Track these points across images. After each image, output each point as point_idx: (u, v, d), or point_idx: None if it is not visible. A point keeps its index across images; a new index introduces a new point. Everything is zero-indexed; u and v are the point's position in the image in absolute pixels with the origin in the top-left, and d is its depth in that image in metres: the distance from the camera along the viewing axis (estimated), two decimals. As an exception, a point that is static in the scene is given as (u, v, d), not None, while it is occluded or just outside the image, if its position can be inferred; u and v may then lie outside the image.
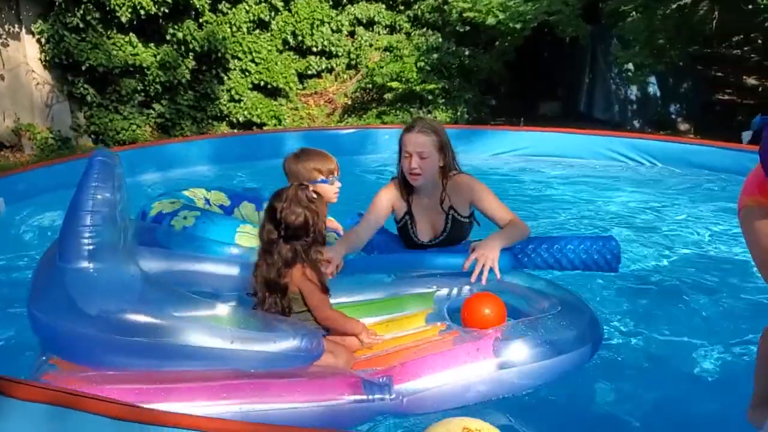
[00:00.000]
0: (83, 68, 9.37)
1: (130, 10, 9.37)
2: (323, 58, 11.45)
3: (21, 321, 2.56)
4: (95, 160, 2.49)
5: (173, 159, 6.49)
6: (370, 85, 10.96)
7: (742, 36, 10.57)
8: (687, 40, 9.21)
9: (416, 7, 11.61)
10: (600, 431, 2.58)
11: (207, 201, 3.80)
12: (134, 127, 9.86)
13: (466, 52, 10.62)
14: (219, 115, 10.48)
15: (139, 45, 9.85)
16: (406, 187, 3.43)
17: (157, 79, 9.89)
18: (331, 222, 3.81)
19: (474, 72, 10.66)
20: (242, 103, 10.45)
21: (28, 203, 5.17)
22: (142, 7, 9.36)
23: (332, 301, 2.81)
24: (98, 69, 9.41)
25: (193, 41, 10.03)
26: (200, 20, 10.26)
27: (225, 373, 2.37)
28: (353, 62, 11.62)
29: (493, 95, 11.20)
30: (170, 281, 2.75)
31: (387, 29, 11.77)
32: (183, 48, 10.08)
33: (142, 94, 10.04)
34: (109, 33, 9.64)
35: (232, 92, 10.46)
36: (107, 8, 9.35)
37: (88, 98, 9.59)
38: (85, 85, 9.56)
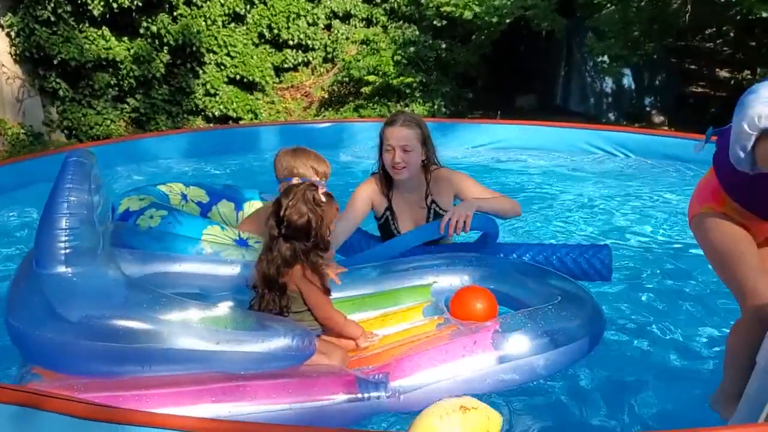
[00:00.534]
0: (55, 62, 9.22)
1: (102, 3, 9.24)
2: (299, 51, 11.38)
3: None
4: (70, 160, 2.42)
5: (147, 154, 6.41)
6: (347, 79, 10.91)
7: (714, 29, 10.68)
8: (661, 33, 9.29)
9: (393, 0, 11.58)
10: (586, 419, 2.57)
11: (184, 197, 3.66)
12: (108, 122, 9.73)
13: (443, 46, 10.61)
14: (194, 109, 10.38)
15: (112, 39, 9.71)
16: (386, 182, 3.41)
17: (131, 74, 9.77)
18: None
19: (451, 65, 10.66)
20: (218, 97, 10.35)
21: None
22: (115, 1, 9.23)
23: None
24: (70, 63, 9.26)
25: (167, 35, 9.91)
26: (174, 14, 10.14)
27: (214, 375, 2.31)
28: (330, 56, 11.56)
29: (470, 89, 11.21)
30: (152, 283, 2.66)
31: (363, 22, 11.72)
32: (157, 42, 9.96)
33: (116, 88, 9.90)
34: (81, 26, 9.49)
35: (208, 86, 10.36)
36: (79, 1, 9.20)
37: (61, 93, 9.45)
38: (57, 80, 9.41)
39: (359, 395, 2.35)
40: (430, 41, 10.62)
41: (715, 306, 3.40)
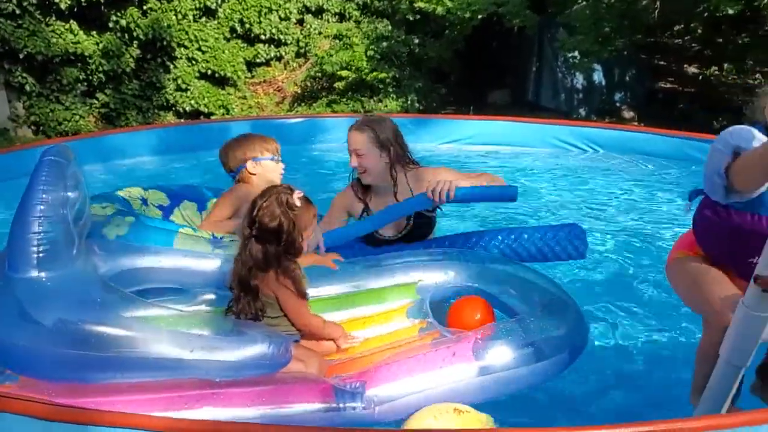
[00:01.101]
0: (21, 56, 9.04)
1: (69, -4, 9.09)
2: (272, 46, 11.30)
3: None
4: (44, 160, 2.36)
5: (118, 150, 6.32)
6: (320, 74, 10.86)
7: (682, 26, 10.83)
8: (631, 29, 9.39)
9: (365, -6, 11.57)
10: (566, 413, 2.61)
11: (144, 201, 3.51)
12: (77, 117, 9.58)
13: (416, 41, 10.62)
14: (165, 104, 10.26)
15: (80, 33, 9.56)
16: (363, 187, 3.39)
17: (100, 68, 9.62)
18: None
19: (424, 61, 10.67)
20: (189, 93, 10.25)
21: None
22: (83, -7, 9.10)
23: (310, 292, 2.68)
24: (37, 57, 9.10)
25: (137, 29, 9.77)
26: (144, 7, 10.01)
27: (188, 383, 2.27)
28: (302, 50, 11.50)
29: (443, 84, 11.23)
30: (130, 279, 2.62)
31: (336, 17, 11.67)
32: (126, 36, 9.82)
33: (85, 83, 9.75)
34: (47, 20, 9.33)
35: (179, 81, 10.25)
36: (45, -6, 9.05)
37: (27, 87, 9.28)
38: (24, 74, 9.23)
39: (334, 405, 2.31)
40: (403, 36, 10.62)
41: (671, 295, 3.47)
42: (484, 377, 2.41)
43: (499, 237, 3.31)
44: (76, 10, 9.34)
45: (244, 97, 10.93)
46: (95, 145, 6.24)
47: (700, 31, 10.65)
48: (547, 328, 2.58)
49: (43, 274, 2.26)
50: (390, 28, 10.88)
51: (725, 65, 10.75)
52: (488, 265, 3.03)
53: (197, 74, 10.44)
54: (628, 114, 10.59)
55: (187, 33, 10.33)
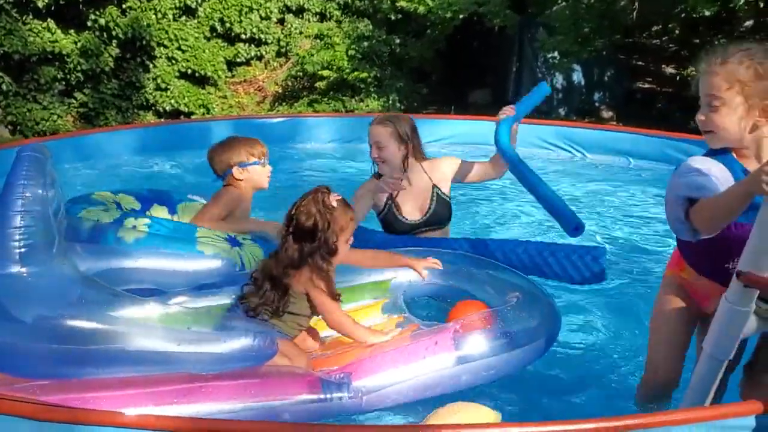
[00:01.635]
0: (-3, 55, 8.93)
1: (47, -6, 8.98)
2: (252, 45, 11.25)
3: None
4: (24, 155, 2.35)
5: (97, 150, 6.26)
6: (301, 73, 10.84)
7: (660, 26, 10.96)
8: (610, 30, 9.49)
9: (346, -6, 11.56)
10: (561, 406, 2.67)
11: (118, 205, 3.47)
12: (55, 117, 9.47)
13: (397, 41, 10.63)
14: (145, 104, 10.17)
15: (58, 31, 9.45)
16: (381, 176, 3.69)
17: (79, 67, 9.52)
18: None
19: (405, 60, 10.69)
20: (169, 92, 10.17)
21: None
22: (61, -8, 9.00)
23: None
24: (13, 56, 8.98)
25: (116, 28, 9.69)
26: (123, 6, 9.92)
27: (175, 376, 2.27)
28: (283, 50, 11.46)
29: (424, 84, 11.25)
30: (110, 280, 2.60)
31: (317, 17, 11.65)
32: (105, 35, 9.73)
33: (63, 82, 9.65)
34: (24, 18, 9.22)
35: (159, 80, 10.17)
36: (22, -8, 8.94)
37: (4, 87, 9.15)
38: (0, 73, 9.11)
39: (322, 395, 2.34)
40: (384, 36, 10.63)
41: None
42: (464, 365, 2.51)
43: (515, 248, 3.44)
44: (53, 8, 9.24)
45: (225, 97, 10.87)
46: (74, 145, 6.18)
47: (677, 31, 10.78)
48: (521, 318, 2.68)
49: (25, 270, 2.23)
50: (371, 27, 10.88)
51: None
52: (461, 264, 3.15)
53: (177, 74, 10.36)
54: (607, 114, 10.68)
55: (166, 32, 10.25)
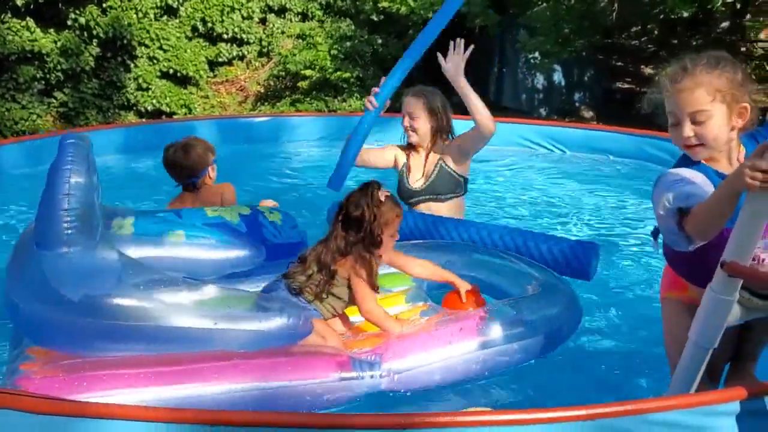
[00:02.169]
0: (-25, 54, 8.83)
1: (26, -7, 8.90)
2: (234, 45, 11.22)
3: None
4: (67, 143, 2.44)
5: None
6: (284, 73, 10.83)
7: (639, 27, 11.10)
8: (589, 30, 9.60)
9: (328, -6, 11.56)
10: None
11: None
12: (34, 116, 9.38)
13: (379, 41, 10.66)
14: (126, 104, 10.11)
15: (38, 30, 9.37)
16: (408, 146, 4.03)
17: (58, 67, 9.44)
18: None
19: (388, 60, 10.70)
20: (150, 92, 10.11)
21: None
22: (40, -10, 8.91)
23: None
24: (-8, 55, 8.89)
25: (96, 27, 9.62)
26: (104, 5, 9.85)
27: (212, 354, 2.36)
28: (265, 50, 11.45)
29: (406, 83, 11.29)
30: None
31: (299, 17, 11.65)
32: (86, 34, 9.66)
33: (42, 82, 9.55)
34: (3, 17, 9.13)
35: (140, 80, 10.10)
36: (0, -10, 8.84)
37: (-18, 86, 9.05)
38: (-22, 73, 9.01)
39: (354, 374, 2.45)
40: (367, 36, 10.65)
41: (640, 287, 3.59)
42: (487, 350, 2.62)
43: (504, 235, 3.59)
44: (32, 7, 9.15)
45: (207, 97, 10.83)
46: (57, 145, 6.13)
47: (656, 32, 10.93)
48: (542, 306, 2.81)
49: (72, 250, 2.32)
50: (353, 27, 10.90)
51: (680, 66, 11.05)
52: (479, 255, 3.35)
53: (159, 73, 10.31)
54: (587, 114, 10.80)
55: (148, 32, 10.20)
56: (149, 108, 10.04)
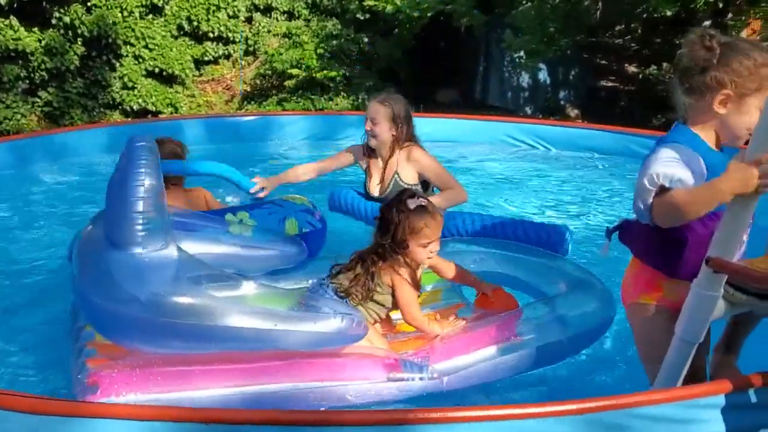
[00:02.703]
0: (-42, 53, 8.75)
1: (10, -9, 8.82)
2: (220, 44, 11.19)
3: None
4: (138, 146, 2.52)
5: (65, 149, 6.19)
6: (270, 72, 10.82)
7: (623, 26, 11.20)
8: (574, 29, 9.67)
9: (314, -7, 11.56)
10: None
11: None
12: (18, 116, 9.29)
13: (366, 40, 10.68)
14: (111, 103, 10.05)
15: (21, 29, 9.29)
16: (369, 149, 4.21)
17: (43, 66, 9.37)
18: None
19: (374, 59, 10.75)
20: (136, 91, 10.06)
21: None
22: (24, -11, 8.84)
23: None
24: (-25, 54, 8.81)
25: (81, 26, 9.56)
26: (88, 4, 9.79)
27: (266, 354, 2.46)
28: (251, 48, 11.43)
29: (392, 83, 11.32)
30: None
31: (285, 15, 11.65)
32: (70, 33, 9.59)
33: (26, 81, 9.48)
34: (-14, 16, 9.04)
35: (125, 79, 10.05)
36: (-17, -11, 8.76)
37: (-34, 85, 8.97)
38: (-38, 72, 8.93)
39: (404, 376, 2.54)
40: (353, 35, 10.67)
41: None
42: (526, 350, 2.71)
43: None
44: (16, 5, 9.07)
45: (193, 96, 10.80)
46: (42, 144, 6.11)
47: (639, 31, 11.03)
48: (575, 305, 2.90)
49: (144, 251, 2.42)
50: (339, 26, 10.91)
51: (663, 64, 11.16)
52: (512, 253, 3.52)
53: (144, 72, 10.26)
54: (572, 112, 10.89)
55: (133, 30, 10.15)
56: (135, 107, 9.99)
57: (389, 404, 2.50)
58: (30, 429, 1.78)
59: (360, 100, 10.20)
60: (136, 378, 2.34)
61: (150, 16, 10.56)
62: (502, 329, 2.73)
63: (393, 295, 2.85)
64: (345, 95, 10.25)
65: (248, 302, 2.46)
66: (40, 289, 3.63)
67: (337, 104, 10.09)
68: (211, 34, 10.94)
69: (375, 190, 4.22)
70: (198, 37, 11.01)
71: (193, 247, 2.92)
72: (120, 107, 10.08)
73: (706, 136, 2.19)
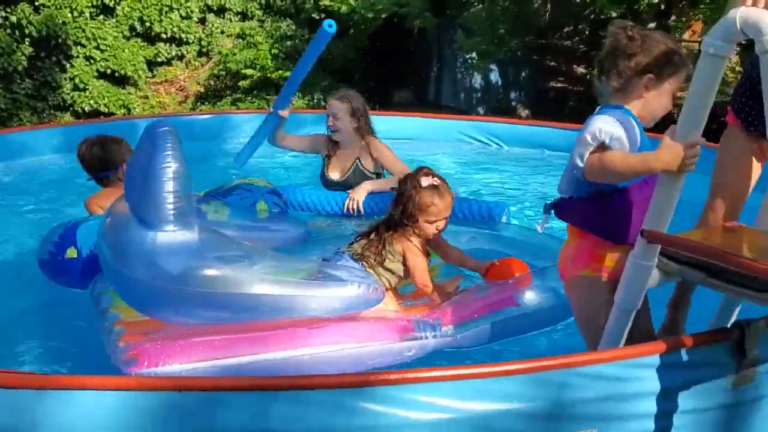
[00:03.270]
0: None
1: (-46, -10, 8.64)
2: (173, 45, 11.12)
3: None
4: (163, 131, 2.67)
5: (16, 150, 6.12)
6: (224, 72, 10.81)
7: (571, 27, 11.52)
8: (523, 31, 9.93)
9: (268, -6, 11.59)
10: None
11: None
12: (-36, 118, 9.11)
13: (320, 40, 10.74)
14: (62, 104, 9.91)
15: (-34, 29, 9.11)
16: (331, 140, 4.62)
17: (-11, 66, 9.21)
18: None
19: (329, 60, 10.82)
20: (87, 92, 9.94)
21: None
22: (-31, -12, 8.68)
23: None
24: None
25: (29, 26, 9.42)
26: (36, 3, 9.64)
27: (290, 321, 2.66)
28: (205, 49, 11.39)
29: (348, 83, 11.42)
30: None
31: (239, 16, 11.65)
32: (17, 33, 9.43)
33: (-28, 81, 9.30)
34: (-70, 15, 8.83)
35: (76, 80, 9.92)
36: (-74, -12, 8.57)
37: None
38: None
39: (418, 335, 2.77)
40: (307, 35, 10.73)
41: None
42: (524, 314, 2.95)
43: None
44: (-40, 5, 8.91)
45: (146, 97, 10.72)
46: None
47: (587, 32, 11.37)
48: None
49: (176, 228, 2.60)
50: (294, 27, 10.97)
51: (610, 65, 11.51)
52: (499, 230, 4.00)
53: (96, 73, 10.14)
54: (523, 112, 11.15)
55: (84, 31, 10.03)
56: (87, 109, 9.87)
57: (406, 364, 2.69)
58: (5, 404, 1.82)
59: (315, 101, 10.28)
60: (178, 348, 2.52)
61: (101, 16, 10.44)
62: (506, 293, 2.99)
63: (404, 264, 3.09)
64: (300, 95, 10.30)
65: (273, 273, 2.65)
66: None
67: (292, 105, 10.12)
68: (164, 35, 10.87)
69: (336, 175, 4.61)
70: (150, 38, 10.93)
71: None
72: (71, 109, 9.94)
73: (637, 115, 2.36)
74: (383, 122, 7.13)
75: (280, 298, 2.61)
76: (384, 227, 3.12)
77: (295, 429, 1.89)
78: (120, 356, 2.53)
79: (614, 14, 8.66)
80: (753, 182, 2.81)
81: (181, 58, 11.35)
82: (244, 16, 11.67)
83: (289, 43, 10.59)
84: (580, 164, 2.27)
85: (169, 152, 2.59)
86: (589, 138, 2.25)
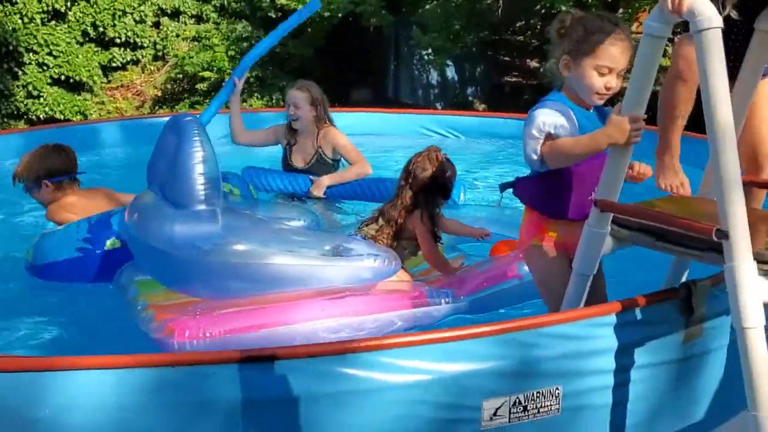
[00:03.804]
0: None
1: None
2: (128, 49, 11.04)
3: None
4: (188, 120, 2.94)
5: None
6: (181, 76, 10.78)
7: (523, 22, 11.80)
8: (477, 27, 10.16)
9: (222, -4, 11.60)
10: None
11: None
12: None
13: (277, 40, 10.80)
14: (16, 112, 9.75)
15: None
16: (291, 129, 4.83)
17: (-61, 75, 9.03)
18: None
19: (286, 60, 10.89)
20: (42, 99, 9.81)
21: None
22: None
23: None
24: None
25: (-23, 33, 9.27)
26: (-16, 10, 9.51)
27: (312, 292, 2.82)
28: (160, 53, 11.33)
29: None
30: None
31: (194, 19, 11.62)
32: (-33, 41, 9.28)
33: None
34: None
35: (29, 88, 9.78)
36: None
37: None
38: None
39: (431, 301, 2.98)
40: (263, 36, 10.76)
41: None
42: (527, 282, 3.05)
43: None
44: None
45: (102, 103, 10.62)
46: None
47: (538, 27, 11.66)
48: None
49: (207, 208, 2.80)
50: (250, 28, 11.00)
51: (561, 58, 11.83)
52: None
53: (50, 80, 10.01)
54: (480, 107, 11.39)
55: (35, 37, 9.89)
56: (41, 116, 9.74)
57: (420, 329, 2.85)
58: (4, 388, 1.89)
59: (274, 101, 10.33)
60: (216, 320, 2.69)
61: (53, 22, 10.31)
62: (503, 269, 3.19)
63: (414, 239, 3.29)
64: (259, 96, 10.35)
65: (297, 246, 2.82)
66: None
67: (251, 105, 10.18)
68: (118, 40, 10.78)
69: (298, 163, 4.86)
70: (104, 43, 10.84)
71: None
72: (25, 117, 9.80)
73: (570, 97, 2.54)
74: (344, 118, 7.26)
75: (304, 270, 2.78)
76: (398, 211, 3.29)
77: (287, 398, 2.00)
78: (157, 334, 2.70)
79: (563, 8, 8.93)
80: None
81: (136, 62, 11.27)
82: (199, 18, 11.64)
83: (245, 44, 10.61)
84: (535, 158, 2.45)
85: (197, 138, 2.82)
86: (535, 133, 2.44)
